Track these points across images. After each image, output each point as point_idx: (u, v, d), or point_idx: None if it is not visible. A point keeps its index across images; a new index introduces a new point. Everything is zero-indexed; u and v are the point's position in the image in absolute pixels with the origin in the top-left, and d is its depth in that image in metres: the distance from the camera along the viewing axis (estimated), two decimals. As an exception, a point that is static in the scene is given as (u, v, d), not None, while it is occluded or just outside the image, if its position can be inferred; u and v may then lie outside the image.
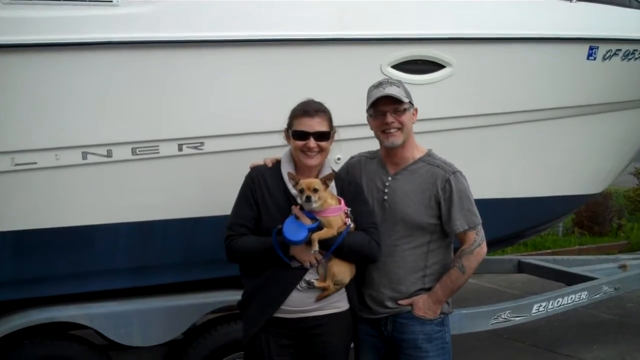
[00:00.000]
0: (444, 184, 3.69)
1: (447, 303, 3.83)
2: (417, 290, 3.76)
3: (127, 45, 4.07)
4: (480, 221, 3.75)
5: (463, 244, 3.75)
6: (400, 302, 3.75)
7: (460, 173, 3.76)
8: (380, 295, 3.78)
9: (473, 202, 3.75)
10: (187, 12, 4.23)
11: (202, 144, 4.35)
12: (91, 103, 4.08)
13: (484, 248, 3.76)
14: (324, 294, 3.59)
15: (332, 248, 3.54)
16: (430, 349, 3.74)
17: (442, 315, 3.79)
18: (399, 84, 3.77)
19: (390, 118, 3.66)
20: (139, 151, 4.23)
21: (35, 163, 4.05)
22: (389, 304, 3.77)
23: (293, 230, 3.46)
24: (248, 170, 3.77)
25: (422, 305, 3.73)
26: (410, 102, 3.73)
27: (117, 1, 4.06)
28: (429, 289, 3.75)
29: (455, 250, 3.83)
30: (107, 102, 4.12)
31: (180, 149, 4.32)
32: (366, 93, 3.78)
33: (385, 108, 3.67)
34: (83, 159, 4.12)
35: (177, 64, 4.22)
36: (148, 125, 4.23)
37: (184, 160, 4.35)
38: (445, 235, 3.79)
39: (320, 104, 3.68)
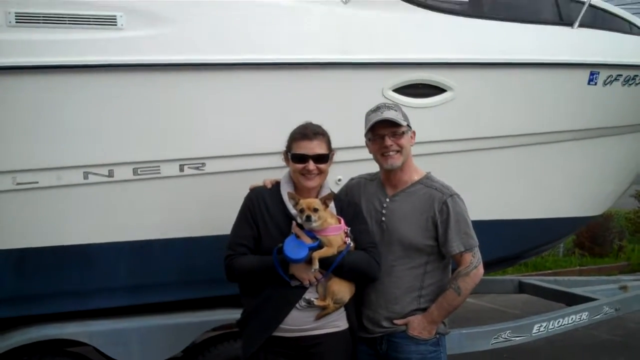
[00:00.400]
0: (441, 206, 3.71)
1: (444, 324, 3.83)
2: (412, 310, 3.76)
3: (130, 67, 4.11)
4: (477, 243, 3.76)
5: (459, 265, 3.75)
6: (396, 321, 3.76)
7: (458, 196, 3.77)
8: (376, 315, 3.79)
9: (470, 225, 3.76)
10: (190, 36, 4.27)
11: (203, 164, 4.38)
12: (93, 124, 4.12)
13: (480, 270, 3.76)
14: (323, 312, 3.60)
15: (332, 267, 3.55)
16: (425, 369, 3.74)
17: (437, 336, 3.79)
18: (396, 107, 3.80)
19: (389, 141, 3.69)
20: (141, 171, 4.25)
21: (37, 182, 4.08)
22: (385, 323, 3.77)
23: (293, 248, 3.48)
24: (248, 190, 3.79)
25: (417, 325, 3.73)
26: (408, 125, 3.76)
27: (122, 25, 4.10)
28: (424, 309, 3.76)
29: (453, 271, 3.83)
30: (109, 123, 4.15)
31: (181, 170, 4.35)
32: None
33: (383, 132, 3.70)
34: (84, 178, 4.15)
35: (179, 86, 4.26)
36: (150, 146, 4.26)
37: (185, 180, 4.38)
38: (442, 256, 3.80)
39: (318, 127, 3.70)
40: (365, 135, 3.81)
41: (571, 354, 7.62)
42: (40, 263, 4.20)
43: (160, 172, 4.30)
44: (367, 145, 3.85)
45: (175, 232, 4.45)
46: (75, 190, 4.16)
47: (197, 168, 4.38)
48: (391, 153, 3.71)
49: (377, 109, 3.75)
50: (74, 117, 4.08)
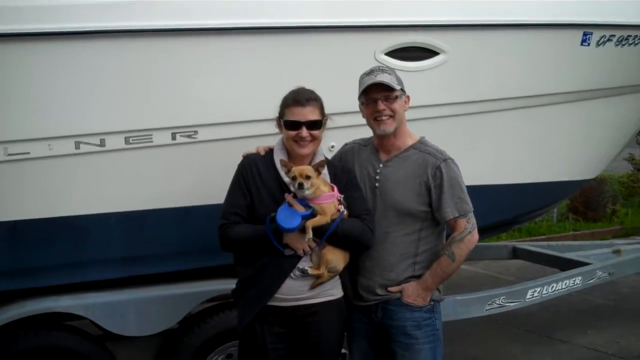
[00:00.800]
0: (434, 171, 3.68)
1: (438, 290, 3.83)
2: (407, 278, 3.75)
3: (120, 33, 4.04)
4: (472, 209, 3.74)
5: (453, 231, 3.73)
6: (390, 289, 3.75)
7: (452, 160, 3.74)
8: (371, 283, 3.78)
9: (464, 190, 3.74)
10: (181, 0, 4.20)
11: (195, 132, 4.33)
12: (84, 92, 4.06)
13: (474, 236, 3.74)
14: (317, 281, 3.59)
15: (326, 235, 3.53)
16: (420, 336, 3.73)
17: (432, 303, 3.78)
18: (390, 71, 3.76)
19: (381, 105, 3.65)
20: (133, 140, 4.20)
21: (29, 153, 4.03)
22: (379, 291, 3.77)
23: (286, 217, 3.46)
24: (241, 158, 3.76)
25: (412, 293, 3.72)
26: (402, 90, 3.72)
27: None
28: (419, 277, 3.75)
29: (447, 238, 3.82)
30: (100, 91, 4.10)
31: (173, 138, 4.30)
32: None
33: (376, 95, 3.66)
34: (76, 148, 4.10)
35: (170, 52, 4.19)
36: (141, 114, 4.21)
37: (178, 149, 4.34)
38: (436, 223, 3.78)
39: (311, 92, 3.66)
40: (359, 98, 3.77)
41: (565, 319, 7.69)
42: (32, 235, 4.18)
43: (152, 140, 4.25)
44: (360, 109, 3.81)
45: (168, 202, 4.42)
46: (67, 161, 4.12)
47: (190, 136, 4.33)
48: (383, 118, 3.67)
49: (371, 72, 3.71)
50: (64, 85, 4.01)
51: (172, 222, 4.46)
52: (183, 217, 4.47)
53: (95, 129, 4.13)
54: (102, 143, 4.15)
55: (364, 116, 3.80)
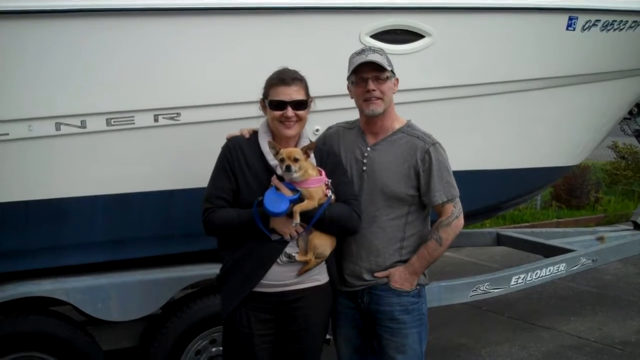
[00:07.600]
0: (423, 155, 3.67)
1: (424, 274, 3.82)
2: (394, 262, 3.74)
3: (101, 12, 3.98)
4: (458, 193, 3.74)
5: (441, 216, 3.73)
6: (377, 274, 3.74)
7: (440, 144, 3.73)
8: (357, 268, 3.76)
9: (452, 174, 3.74)
10: None
11: (178, 114, 4.28)
12: (65, 72, 3.99)
13: (461, 220, 3.75)
14: (305, 267, 3.55)
15: (314, 220, 3.50)
16: (408, 320, 3.74)
17: (418, 287, 3.78)
18: (381, 52, 3.72)
19: (371, 85, 3.62)
20: (114, 122, 4.14)
21: (8, 134, 3.96)
22: (366, 276, 3.75)
23: (274, 201, 3.41)
24: (225, 141, 3.71)
25: (399, 277, 3.71)
26: (392, 71, 3.69)
27: None
28: (405, 261, 3.74)
29: (433, 223, 3.81)
30: (81, 72, 4.03)
31: (156, 120, 4.25)
32: (345, 63, 3.74)
33: (367, 75, 3.63)
34: (56, 130, 4.03)
35: (152, 32, 4.13)
36: (123, 96, 4.14)
37: (160, 131, 4.28)
38: (423, 207, 3.78)
39: (296, 72, 3.61)
40: (348, 78, 3.74)
41: (548, 305, 7.73)
42: (11, 218, 4.12)
43: (134, 122, 4.20)
44: (348, 89, 3.78)
45: (150, 185, 4.37)
46: (47, 142, 4.05)
47: (172, 118, 4.28)
48: (373, 98, 3.64)
49: (362, 51, 3.69)
50: (44, 65, 3.94)
51: (155, 205, 4.42)
52: (166, 200, 4.42)
53: (76, 110, 4.06)
54: (82, 124, 4.08)
55: (352, 97, 3.77)
